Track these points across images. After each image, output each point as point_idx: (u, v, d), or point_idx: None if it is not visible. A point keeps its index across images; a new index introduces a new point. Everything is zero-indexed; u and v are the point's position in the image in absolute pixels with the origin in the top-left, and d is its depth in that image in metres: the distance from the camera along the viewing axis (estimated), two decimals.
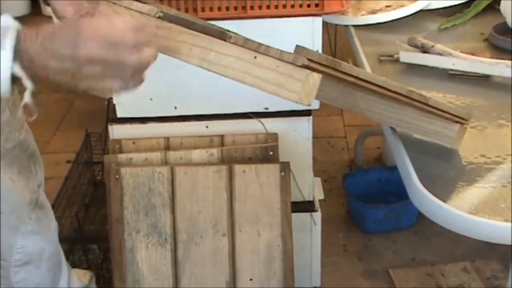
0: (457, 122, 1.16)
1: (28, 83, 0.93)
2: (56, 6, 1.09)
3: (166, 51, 1.01)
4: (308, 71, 0.90)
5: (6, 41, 0.89)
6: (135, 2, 1.07)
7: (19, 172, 1.41)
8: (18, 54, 0.90)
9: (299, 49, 0.93)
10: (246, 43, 0.94)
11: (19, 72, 0.91)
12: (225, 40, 0.96)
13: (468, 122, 1.19)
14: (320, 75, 0.90)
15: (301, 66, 0.90)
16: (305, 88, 0.90)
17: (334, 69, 0.97)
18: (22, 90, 1.42)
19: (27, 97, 0.95)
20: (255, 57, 0.93)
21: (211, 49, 0.97)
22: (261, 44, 0.93)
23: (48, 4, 1.11)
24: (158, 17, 1.02)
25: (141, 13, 1.04)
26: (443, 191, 1.07)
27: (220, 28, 1.02)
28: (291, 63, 0.91)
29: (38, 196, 1.50)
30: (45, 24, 0.92)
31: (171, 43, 1.00)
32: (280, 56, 0.92)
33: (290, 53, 0.92)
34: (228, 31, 0.99)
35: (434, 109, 1.13)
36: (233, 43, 0.95)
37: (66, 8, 1.09)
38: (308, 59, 0.91)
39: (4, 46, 0.88)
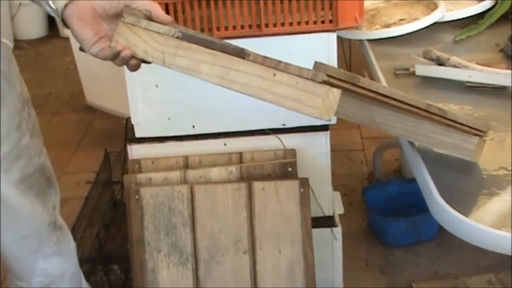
0: (475, 134, 1.15)
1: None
2: (76, 28, 1.10)
3: (186, 70, 1.02)
4: (328, 87, 0.91)
5: None
6: (153, 23, 1.08)
7: (36, 195, 1.42)
8: None
9: (318, 65, 0.94)
10: (265, 61, 0.95)
11: None
12: (244, 58, 0.97)
13: (487, 134, 1.18)
14: (339, 91, 0.91)
15: (320, 82, 0.90)
16: (325, 104, 0.91)
17: (353, 84, 0.97)
18: (39, 112, 1.44)
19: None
20: (274, 75, 0.94)
21: (230, 68, 0.98)
22: (280, 62, 0.94)
23: (68, 27, 1.12)
24: (177, 37, 1.03)
25: (160, 33, 1.05)
26: (464, 205, 1.07)
27: (238, 46, 1.02)
28: (310, 79, 0.91)
29: (55, 218, 1.51)
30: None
31: (190, 63, 1.02)
32: (299, 72, 0.92)
33: (309, 69, 0.93)
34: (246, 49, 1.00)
35: (452, 122, 1.12)
36: (252, 61, 0.96)
37: (85, 31, 1.10)
38: (328, 75, 0.91)
39: None
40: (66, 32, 3.40)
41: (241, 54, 0.97)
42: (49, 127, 3.29)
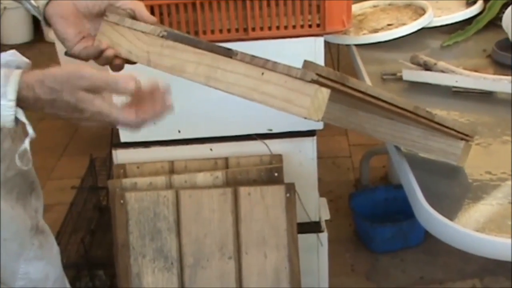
0: (462, 139, 1.15)
1: (30, 130, 0.95)
2: (58, 27, 1.09)
3: (171, 70, 1.01)
4: (317, 86, 0.89)
5: (8, 87, 0.91)
6: (138, 22, 1.06)
7: (17, 199, 1.40)
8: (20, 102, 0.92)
9: (307, 64, 0.92)
10: (253, 60, 0.94)
11: (23, 118, 0.93)
12: (231, 57, 0.95)
13: (473, 139, 1.18)
14: (329, 90, 0.90)
15: (310, 81, 0.89)
16: (314, 104, 0.89)
17: (343, 84, 0.96)
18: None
19: (26, 144, 0.97)
20: (263, 74, 0.92)
21: (217, 67, 0.96)
22: (268, 60, 0.93)
23: (50, 26, 1.11)
24: (162, 36, 1.02)
25: (144, 33, 1.04)
26: (449, 209, 1.06)
27: (225, 46, 1.01)
28: (299, 79, 0.90)
29: (37, 222, 1.49)
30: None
31: (176, 62, 1.00)
32: (288, 71, 0.91)
33: (298, 68, 0.91)
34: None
35: (439, 125, 1.12)
36: (239, 60, 0.94)
37: (67, 30, 1.08)
38: (317, 74, 0.90)
39: (6, 93, 0.91)
40: (51, 37, 3.38)
41: (228, 53, 0.96)
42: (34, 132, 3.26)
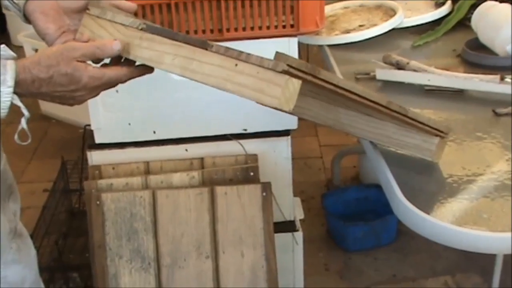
0: (437, 135, 1.18)
1: (25, 111, 1.02)
2: (39, 23, 1.09)
3: (149, 61, 1.03)
4: (287, 77, 0.91)
5: (7, 75, 0.97)
6: (118, 15, 1.08)
7: None
8: (17, 86, 0.98)
9: (279, 55, 0.94)
10: (227, 51, 0.95)
11: (18, 102, 0.99)
12: (206, 49, 0.97)
13: (448, 135, 1.21)
14: (300, 81, 0.91)
15: (280, 72, 0.91)
16: (285, 94, 0.91)
17: (314, 76, 0.97)
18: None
19: (23, 123, 1.04)
20: (236, 65, 0.94)
21: (193, 58, 0.98)
22: (241, 52, 0.94)
23: (29, 22, 1.11)
24: (141, 29, 1.04)
25: (124, 25, 1.05)
26: (426, 204, 1.09)
27: (201, 38, 1.02)
28: (271, 69, 0.91)
29: (16, 225, 1.48)
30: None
31: (153, 54, 1.02)
32: (260, 62, 0.92)
33: (271, 60, 0.93)
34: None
35: (414, 121, 1.14)
36: (214, 52, 0.96)
37: (48, 25, 1.09)
38: (288, 65, 0.91)
39: (5, 80, 0.97)
40: (20, 40, 3.35)
41: (204, 45, 0.97)
42: (3, 136, 3.22)
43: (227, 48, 0.96)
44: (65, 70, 0.99)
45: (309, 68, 0.95)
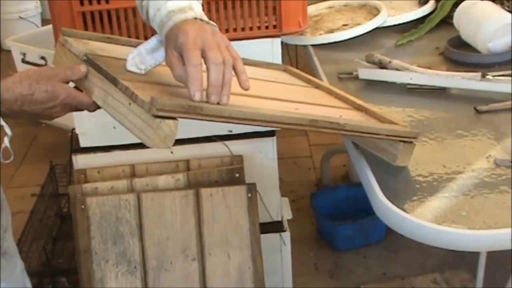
0: (402, 141, 1.16)
1: (8, 131, 1.09)
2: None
3: (86, 91, 1.08)
4: (159, 120, 0.91)
5: None
6: (76, 45, 1.12)
7: None
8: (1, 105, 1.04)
9: (153, 99, 0.92)
10: (126, 90, 0.97)
11: (2, 122, 1.07)
12: (116, 86, 1.00)
13: (417, 139, 1.19)
14: (177, 122, 0.92)
15: (153, 116, 0.92)
16: (159, 135, 0.92)
17: (198, 113, 0.95)
18: None
19: (6, 142, 1.11)
20: (130, 104, 0.96)
21: (109, 93, 1.02)
22: (133, 92, 0.95)
23: None
24: (84, 60, 1.09)
25: (75, 55, 1.11)
26: (407, 203, 1.09)
27: (113, 75, 1.03)
28: (147, 112, 0.93)
29: (2, 244, 1.46)
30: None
31: (89, 85, 1.07)
32: (141, 104, 0.94)
33: (147, 102, 0.92)
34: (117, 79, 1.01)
35: (370, 134, 1.12)
36: (119, 89, 0.99)
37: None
38: (159, 109, 0.91)
39: None
40: (7, 44, 3.34)
41: (114, 81, 1.00)
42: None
43: (127, 87, 0.97)
44: (45, 87, 1.06)
45: (187, 108, 0.93)
